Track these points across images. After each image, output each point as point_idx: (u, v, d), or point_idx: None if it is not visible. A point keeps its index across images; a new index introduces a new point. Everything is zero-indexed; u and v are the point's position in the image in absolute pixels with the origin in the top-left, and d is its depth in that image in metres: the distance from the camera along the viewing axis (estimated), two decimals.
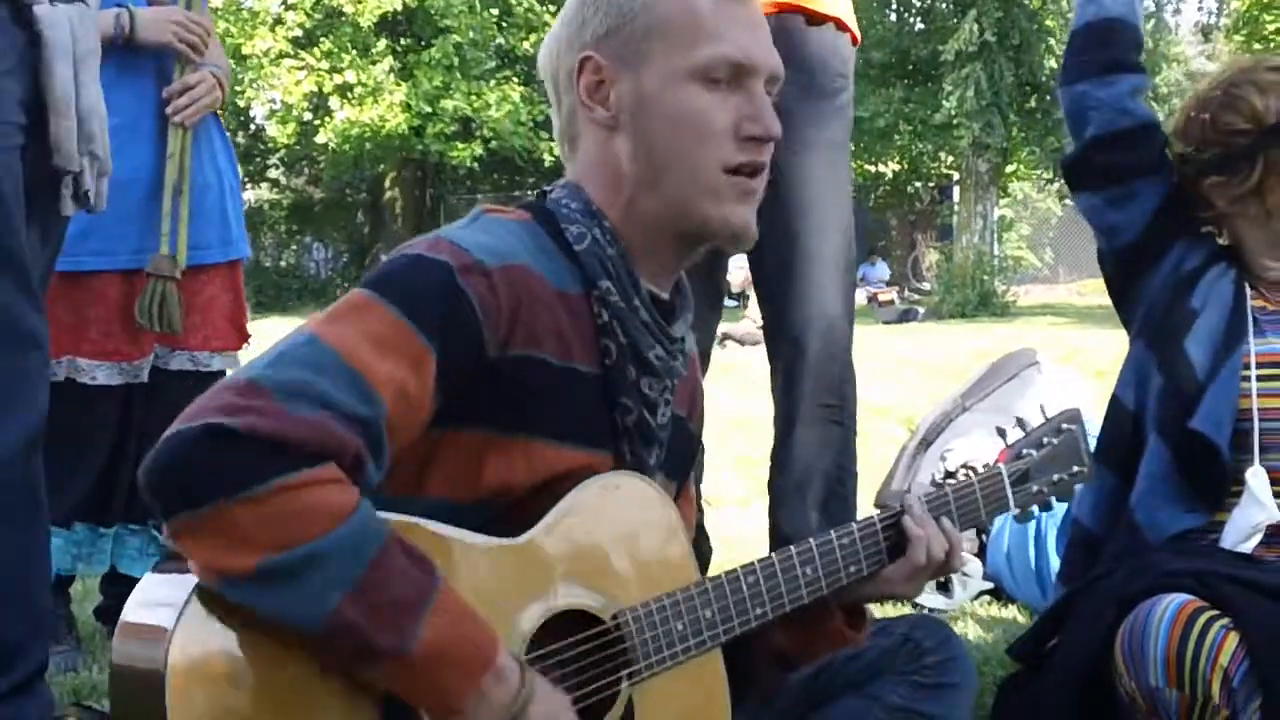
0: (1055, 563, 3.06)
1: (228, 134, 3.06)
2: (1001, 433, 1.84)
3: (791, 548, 1.58)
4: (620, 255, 1.49)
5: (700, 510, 2.73)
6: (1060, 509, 3.12)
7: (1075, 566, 2.17)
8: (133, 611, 1.28)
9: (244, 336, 2.95)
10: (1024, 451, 1.83)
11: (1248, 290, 2.09)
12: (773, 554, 1.57)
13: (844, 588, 1.62)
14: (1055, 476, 1.84)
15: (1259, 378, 2.02)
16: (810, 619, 1.65)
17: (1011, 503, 1.79)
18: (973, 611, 3.28)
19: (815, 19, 2.57)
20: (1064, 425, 1.86)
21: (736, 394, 6.48)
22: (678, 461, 1.66)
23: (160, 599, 1.25)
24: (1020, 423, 1.86)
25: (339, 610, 1.19)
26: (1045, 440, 1.84)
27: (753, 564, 1.55)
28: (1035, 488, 1.82)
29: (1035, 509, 1.84)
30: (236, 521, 1.17)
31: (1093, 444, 1.94)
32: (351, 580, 1.19)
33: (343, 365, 1.26)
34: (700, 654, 1.50)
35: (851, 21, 2.66)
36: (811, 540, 1.60)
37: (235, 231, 2.94)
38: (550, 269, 1.45)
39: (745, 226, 1.50)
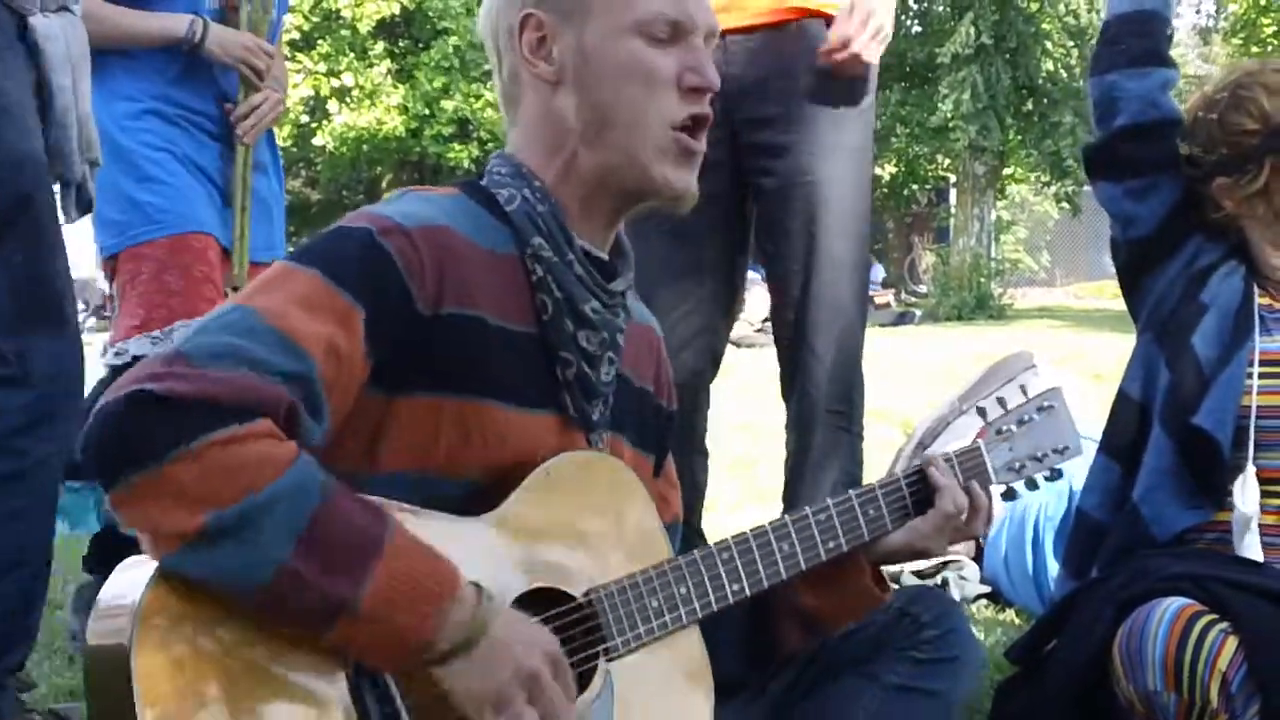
0: (1053, 566, 3.05)
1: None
2: (982, 412, 1.83)
3: (767, 524, 1.59)
4: (552, 212, 1.50)
5: (699, 512, 2.74)
6: (1058, 512, 3.15)
7: (1083, 559, 2.16)
8: (106, 592, 1.29)
9: None
10: (1004, 428, 1.82)
11: (1255, 289, 2.09)
12: (748, 531, 1.58)
13: (867, 545, 1.64)
14: (1039, 453, 1.83)
15: (1261, 375, 2.02)
16: (838, 577, 1.65)
17: (994, 478, 1.78)
18: (970, 615, 3.27)
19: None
20: (1046, 402, 1.85)
21: (732, 396, 6.46)
22: (641, 431, 1.66)
23: (132, 579, 1.25)
24: (1001, 401, 1.85)
25: (289, 563, 1.19)
26: (1027, 417, 1.83)
27: (727, 540, 1.56)
28: (1018, 464, 1.81)
29: (1021, 487, 1.83)
30: (173, 481, 1.17)
31: (1084, 447, 1.93)
32: (298, 530, 1.19)
33: (267, 326, 1.27)
34: (676, 630, 1.50)
35: None
36: (787, 516, 1.61)
37: (279, 235, 3.02)
38: (479, 233, 1.46)
39: (686, 189, 1.52)
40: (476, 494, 1.41)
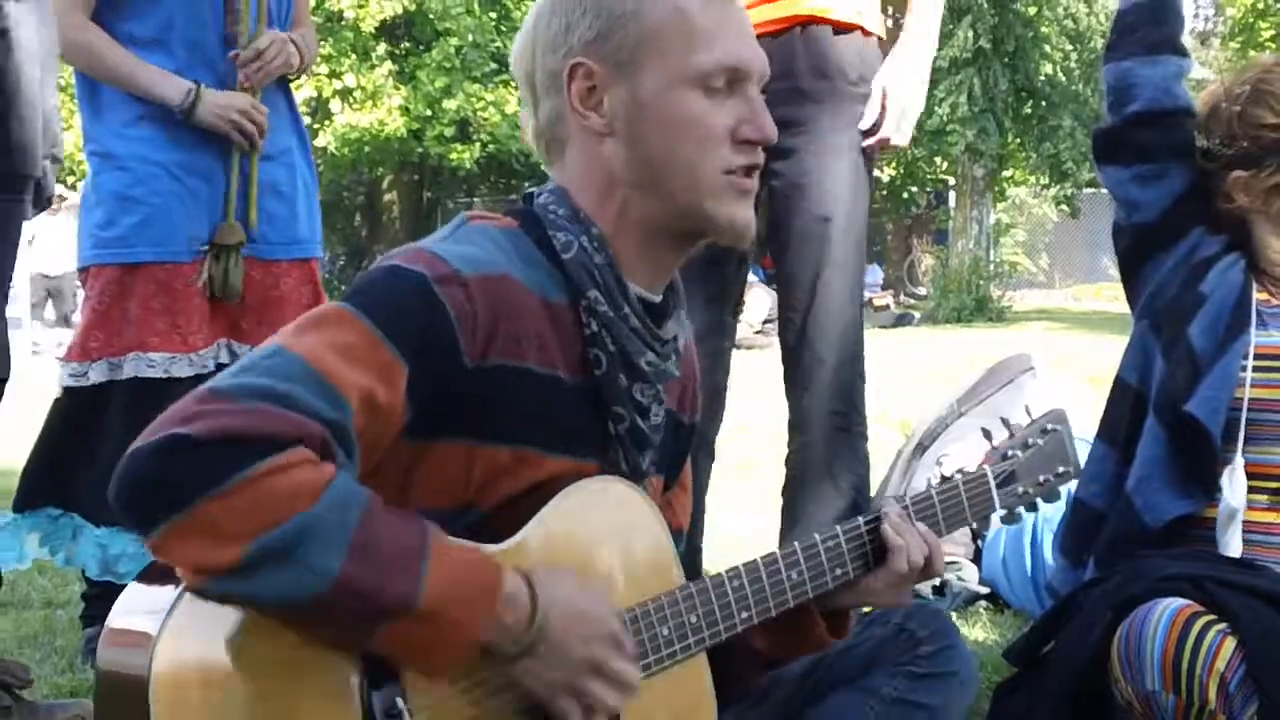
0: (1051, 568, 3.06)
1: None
2: (987, 434, 1.84)
3: (776, 551, 1.58)
4: (608, 263, 1.48)
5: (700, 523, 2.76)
6: (1056, 514, 3.15)
7: (1080, 547, 2.16)
8: (118, 618, 1.28)
9: None
10: (1010, 453, 1.82)
11: (1254, 284, 2.10)
12: (757, 558, 1.57)
13: (829, 593, 1.62)
14: (1041, 478, 1.83)
15: (1256, 369, 2.03)
16: (792, 624, 1.64)
17: (997, 504, 1.79)
18: (968, 616, 3.28)
19: (841, 28, 2.64)
20: (1049, 425, 1.85)
21: (732, 399, 6.46)
22: (670, 455, 1.66)
23: (145, 606, 1.25)
24: (1006, 423, 1.85)
25: (342, 573, 1.19)
26: (1031, 441, 1.83)
27: (737, 568, 1.54)
28: (1021, 489, 1.82)
29: (1021, 510, 1.83)
30: (214, 519, 1.17)
31: (1081, 448, 1.94)
32: (346, 542, 1.20)
33: (308, 371, 1.26)
34: (686, 659, 1.49)
35: (877, 26, 2.72)
36: (796, 544, 1.60)
37: (312, 228, 2.92)
38: (534, 278, 1.45)
39: (747, 225, 1.51)
40: (498, 524, 1.41)
